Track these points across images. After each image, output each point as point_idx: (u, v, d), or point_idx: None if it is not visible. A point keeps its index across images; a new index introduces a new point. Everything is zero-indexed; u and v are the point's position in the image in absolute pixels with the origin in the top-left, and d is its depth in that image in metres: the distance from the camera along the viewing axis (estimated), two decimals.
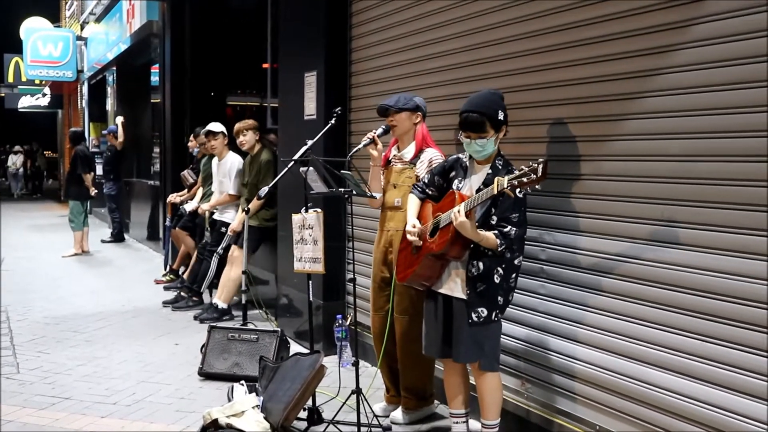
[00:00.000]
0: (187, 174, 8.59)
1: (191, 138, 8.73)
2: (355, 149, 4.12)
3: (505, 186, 3.05)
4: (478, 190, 3.32)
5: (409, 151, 4.15)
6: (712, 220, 2.93)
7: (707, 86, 2.93)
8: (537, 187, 3.00)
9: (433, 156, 4.05)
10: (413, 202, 3.73)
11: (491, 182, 3.17)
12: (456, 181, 3.54)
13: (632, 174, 3.27)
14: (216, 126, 7.29)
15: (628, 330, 3.30)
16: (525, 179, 2.99)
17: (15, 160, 28.78)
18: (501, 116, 3.38)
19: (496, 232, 3.31)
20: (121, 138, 12.55)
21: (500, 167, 3.42)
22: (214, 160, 7.45)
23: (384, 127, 4.16)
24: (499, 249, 3.31)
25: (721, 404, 2.90)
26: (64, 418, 4.35)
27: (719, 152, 2.89)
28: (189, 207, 8.10)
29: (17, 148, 29.47)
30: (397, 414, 4.26)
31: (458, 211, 3.23)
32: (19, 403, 4.58)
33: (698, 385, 2.99)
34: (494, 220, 3.35)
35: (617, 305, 3.35)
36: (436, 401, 4.37)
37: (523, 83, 3.85)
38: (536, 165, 2.96)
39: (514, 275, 3.47)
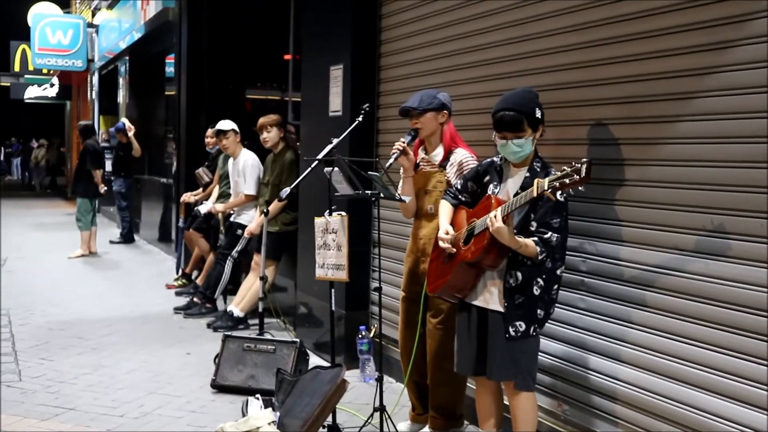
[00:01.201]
0: (202, 172, 8.62)
1: (208, 133, 8.77)
2: (387, 164, 4.04)
3: (546, 188, 3.05)
4: (515, 195, 3.32)
5: (437, 154, 4.14)
6: None
7: None
8: (581, 188, 3.00)
9: (463, 158, 4.05)
10: (445, 209, 3.74)
11: (529, 186, 3.18)
12: (491, 186, 3.55)
13: (683, 180, 3.25)
14: (225, 124, 7.30)
15: (675, 349, 3.27)
16: (568, 180, 2.99)
17: (37, 154, 29.25)
18: (539, 114, 3.41)
19: (535, 238, 3.32)
20: (137, 150, 12.39)
21: (538, 170, 3.43)
22: (230, 159, 7.51)
23: (411, 132, 4.10)
24: (540, 257, 3.32)
25: None
26: (68, 430, 4.41)
27: None
28: (204, 208, 8.07)
29: (42, 141, 29.91)
30: None
31: (494, 216, 3.23)
32: (20, 413, 4.65)
33: (756, 413, 2.94)
34: (533, 226, 3.35)
35: (664, 322, 3.33)
36: (465, 422, 4.37)
37: (565, 80, 3.85)
38: (579, 165, 2.96)
39: (555, 287, 3.47)
